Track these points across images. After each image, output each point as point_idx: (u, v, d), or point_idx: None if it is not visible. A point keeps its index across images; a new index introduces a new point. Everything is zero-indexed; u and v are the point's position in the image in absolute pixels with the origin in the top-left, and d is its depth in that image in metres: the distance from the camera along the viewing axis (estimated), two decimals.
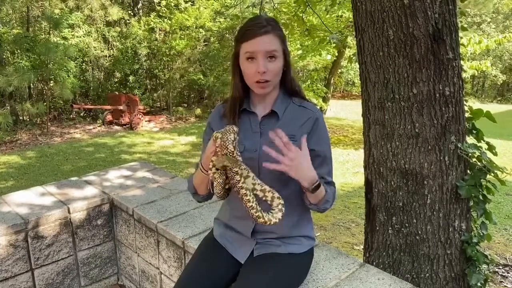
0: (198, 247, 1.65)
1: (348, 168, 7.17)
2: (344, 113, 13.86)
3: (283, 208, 1.31)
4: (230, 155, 1.25)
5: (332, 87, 12.19)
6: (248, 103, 1.48)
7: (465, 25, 2.57)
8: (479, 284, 2.11)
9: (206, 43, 12.85)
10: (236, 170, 1.26)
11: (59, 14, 10.24)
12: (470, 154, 2.04)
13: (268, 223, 1.28)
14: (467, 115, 2.14)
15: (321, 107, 9.94)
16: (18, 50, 9.77)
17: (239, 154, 1.29)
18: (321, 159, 1.44)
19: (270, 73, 1.35)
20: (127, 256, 2.51)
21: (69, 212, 2.32)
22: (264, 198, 1.31)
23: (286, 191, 1.45)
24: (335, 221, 4.66)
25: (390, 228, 2.16)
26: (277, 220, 1.29)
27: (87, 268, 2.46)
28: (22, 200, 2.40)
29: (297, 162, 1.27)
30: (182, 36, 12.01)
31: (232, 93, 1.48)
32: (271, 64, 1.35)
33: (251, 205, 1.27)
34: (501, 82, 19.94)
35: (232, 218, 1.56)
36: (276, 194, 1.31)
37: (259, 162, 1.40)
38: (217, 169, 1.29)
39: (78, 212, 2.36)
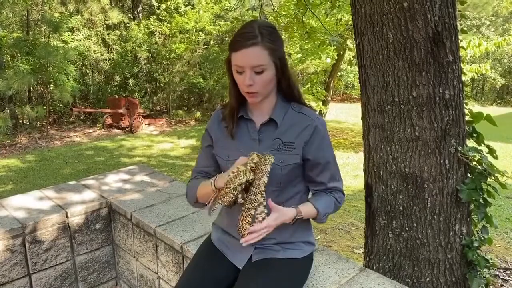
0: (197, 252, 1.64)
1: (348, 171, 7.16)
2: (344, 116, 13.85)
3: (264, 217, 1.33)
4: (262, 185, 1.28)
5: (331, 90, 12.18)
6: (246, 110, 1.47)
7: (465, 28, 2.56)
8: None
9: (206, 46, 12.85)
10: (262, 189, 1.29)
11: (59, 17, 10.25)
12: (470, 158, 2.03)
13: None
14: (467, 118, 2.12)
15: (320, 110, 9.93)
16: (18, 54, 9.76)
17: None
18: (322, 166, 1.44)
19: (257, 85, 1.33)
20: (125, 260, 2.50)
21: (67, 216, 2.31)
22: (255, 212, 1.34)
23: (284, 198, 1.44)
24: (335, 225, 4.64)
25: (390, 232, 2.15)
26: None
27: (85, 272, 2.45)
28: (20, 204, 2.38)
29: (273, 227, 1.33)
30: (182, 40, 12.02)
31: (229, 98, 1.47)
32: (258, 77, 1.32)
33: (249, 221, 1.30)
34: (501, 85, 19.95)
35: (230, 225, 1.55)
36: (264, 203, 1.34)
37: None
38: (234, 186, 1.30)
39: (76, 217, 2.34)
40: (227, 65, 1.40)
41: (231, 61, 1.36)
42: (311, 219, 1.54)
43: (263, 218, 1.31)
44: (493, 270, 3.52)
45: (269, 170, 1.29)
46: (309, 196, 1.54)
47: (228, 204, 1.33)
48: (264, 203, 1.31)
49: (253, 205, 1.29)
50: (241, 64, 1.31)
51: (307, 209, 1.41)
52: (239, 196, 1.32)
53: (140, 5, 13.21)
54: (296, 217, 1.37)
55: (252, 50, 1.29)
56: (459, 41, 2.00)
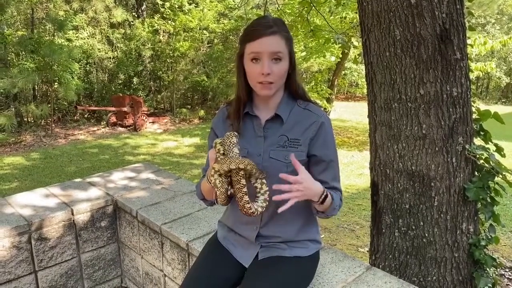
0: (203, 250, 1.64)
1: (353, 169, 7.14)
2: (348, 114, 13.83)
3: (266, 198, 1.31)
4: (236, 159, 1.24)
5: (335, 89, 12.16)
6: (251, 106, 1.46)
7: (472, 26, 2.54)
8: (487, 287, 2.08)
9: (209, 44, 12.85)
10: (241, 173, 1.24)
11: (64, 16, 10.27)
12: (478, 156, 2.01)
13: (256, 213, 1.28)
14: (474, 116, 2.11)
15: (325, 109, 9.92)
16: (23, 52, 9.79)
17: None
18: (325, 164, 1.42)
19: (274, 75, 1.32)
20: (130, 258, 2.50)
21: (72, 213, 2.31)
22: (258, 190, 1.32)
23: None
24: (339, 223, 4.63)
25: (397, 230, 2.14)
26: (263, 209, 1.29)
27: (91, 270, 2.45)
28: (26, 201, 2.39)
29: (305, 189, 1.25)
30: (186, 38, 12.02)
31: (237, 94, 1.45)
32: (276, 66, 1.32)
33: (247, 200, 1.26)
34: (505, 84, 19.85)
35: (236, 223, 1.54)
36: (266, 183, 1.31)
37: (263, 166, 1.38)
38: (219, 175, 1.27)
39: (81, 214, 2.35)
40: (238, 59, 1.39)
41: (244, 53, 1.35)
42: (316, 217, 1.53)
43: (262, 183, 1.29)
44: (499, 270, 3.50)
45: (235, 141, 1.26)
46: None
47: (223, 202, 1.32)
48: (255, 174, 1.28)
49: (239, 180, 1.24)
50: (260, 51, 1.30)
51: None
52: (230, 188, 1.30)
53: (144, 3, 13.22)
54: (324, 194, 1.30)
55: (272, 38, 1.30)
56: (466, 38, 1.99)
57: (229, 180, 1.29)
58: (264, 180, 1.30)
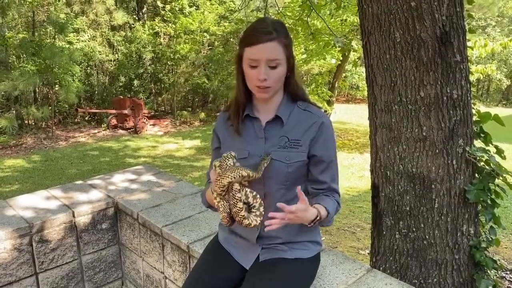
0: (204, 252, 1.64)
1: (353, 172, 7.14)
2: (348, 117, 13.83)
3: (262, 210, 1.32)
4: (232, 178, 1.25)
5: (336, 91, 12.16)
6: (251, 108, 1.47)
7: (472, 28, 2.55)
8: None
9: (210, 47, 12.87)
10: (236, 187, 1.25)
11: (64, 18, 10.29)
12: (478, 158, 2.02)
13: (253, 224, 1.30)
14: (475, 118, 2.11)
15: (325, 111, 9.92)
16: (24, 55, 9.81)
17: None
18: (325, 165, 1.43)
19: (271, 80, 1.34)
20: (131, 260, 2.50)
21: (73, 216, 2.31)
22: (252, 204, 1.33)
23: (290, 196, 1.43)
24: (340, 226, 4.63)
25: (397, 232, 2.14)
26: (257, 223, 1.31)
27: (92, 272, 2.45)
28: (27, 203, 2.39)
29: (296, 218, 1.26)
30: (187, 40, 12.04)
31: (235, 96, 1.46)
32: (273, 71, 1.34)
33: (243, 215, 1.28)
34: (506, 86, 19.85)
35: (237, 225, 1.54)
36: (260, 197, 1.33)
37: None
38: (221, 198, 1.29)
39: (82, 216, 2.35)
40: (237, 60, 1.40)
41: (243, 56, 1.36)
42: None
43: (256, 197, 1.31)
44: (499, 272, 3.50)
45: (231, 163, 1.28)
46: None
47: (227, 224, 1.34)
48: (246, 190, 1.30)
49: (235, 197, 1.26)
50: (257, 58, 1.32)
51: (321, 210, 1.34)
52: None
53: (145, 6, 13.25)
54: (316, 220, 1.31)
55: (269, 45, 1.31)
56: (466, 40, 2.00)
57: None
58: (257, 196, 1.31)
